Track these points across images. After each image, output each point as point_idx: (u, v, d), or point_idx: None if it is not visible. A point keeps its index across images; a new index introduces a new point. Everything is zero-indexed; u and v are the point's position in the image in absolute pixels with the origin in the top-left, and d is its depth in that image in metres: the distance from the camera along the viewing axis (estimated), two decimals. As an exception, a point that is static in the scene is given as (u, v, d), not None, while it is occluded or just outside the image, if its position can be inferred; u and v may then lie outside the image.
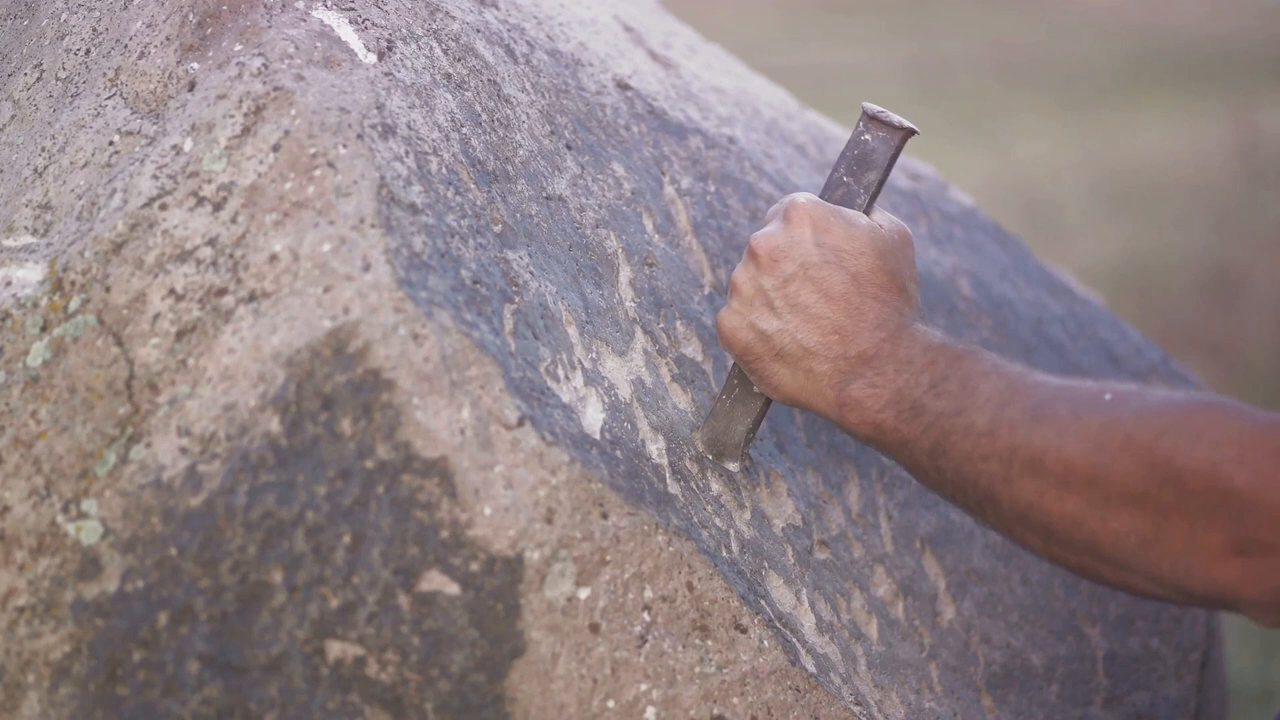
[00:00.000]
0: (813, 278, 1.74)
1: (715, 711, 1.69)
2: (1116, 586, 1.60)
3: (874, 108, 1.81)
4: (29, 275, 1.71)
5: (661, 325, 1.87)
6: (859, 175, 1.80)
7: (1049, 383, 1.64)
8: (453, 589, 1.63)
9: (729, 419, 1.81)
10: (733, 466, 1.81)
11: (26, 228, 1.75)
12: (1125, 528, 1.55)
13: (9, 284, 1.71)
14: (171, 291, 1.67)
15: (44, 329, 1.68)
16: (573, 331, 1.78)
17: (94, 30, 1.84)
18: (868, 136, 1.80)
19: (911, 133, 1.80)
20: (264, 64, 1.72)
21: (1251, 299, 5.64)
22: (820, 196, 1.80)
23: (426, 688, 1.63)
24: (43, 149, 1.79)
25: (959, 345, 1.70)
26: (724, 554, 1.74)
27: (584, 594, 1.66)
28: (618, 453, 1.71)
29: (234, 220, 1.68)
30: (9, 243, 1.74)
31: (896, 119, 1.80)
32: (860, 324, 1.72)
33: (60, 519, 1.65)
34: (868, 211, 1.79)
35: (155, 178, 1.70)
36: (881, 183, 1.80)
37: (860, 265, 1.74)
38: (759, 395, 1.80)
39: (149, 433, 1.65)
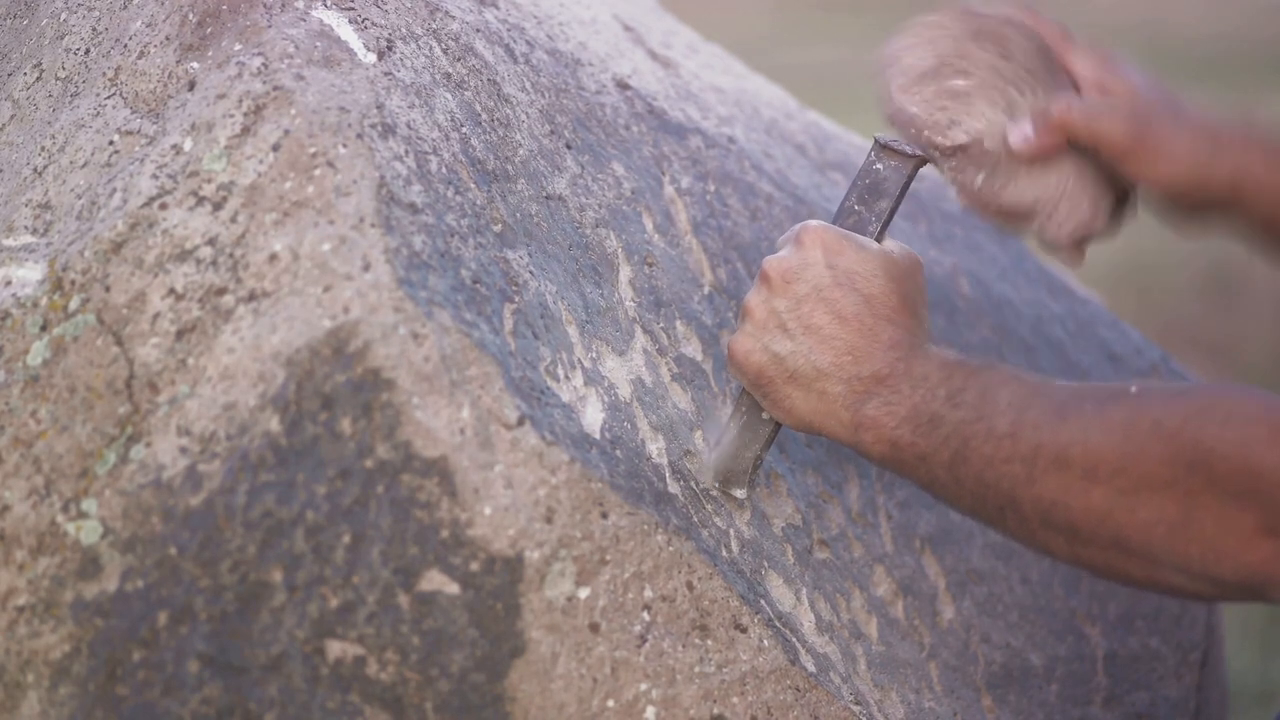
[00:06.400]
0: (825, 299, 1.74)
1: (715, 711, 1.69)
2: (1143, 585, 1.59)
3: (886, 137, 1.82)
4: (29, 275, 1.71)
5: (661, 325, 1.87)
6: (870, 204, 1.82)
7: (1070, 386, 1.64)
8: (453, 588, 1.63)
9: (737, 446, 1.80)
10: (740, 494, 1.80)
11: (26, 227, 1.75)
12: (1153, 516, 1.55)
13: (9, 283, 1.71)
14: (171, 291, 1.67)
15: (44, 328, 1.68)
16: (573, 331, 1.78)
17: (93, 30, 1.84)
18: (879, 165, 1.82)
19: (924, 161, 1.82)
20: (264, 63, 1.72)
21: (1251, 299, 5.64)
22: (832, 223, 1.81)
23: (426, 687, 1.63)
24: (42, 148, 1.79)
25: (974, 360, 1.70)
26: (724, 553, 1.74)
27: (584, 593, 1.66)
28: (618, 452, 1.71)
29: (234, 220, 1.68)
30: (9, 242, 1.74)
31: (909, 148, 1.82)
32: (874, 344, 1.72)
33: (60, 518, 1.65)
34: (879, 239, 1.80)
35: (155, 177, 1.70)
36: (893, 211, 1.81)
37: (873, 288, 1.74)
38: (768, 421, 1.79)
39: (149, 432, 1.65)
